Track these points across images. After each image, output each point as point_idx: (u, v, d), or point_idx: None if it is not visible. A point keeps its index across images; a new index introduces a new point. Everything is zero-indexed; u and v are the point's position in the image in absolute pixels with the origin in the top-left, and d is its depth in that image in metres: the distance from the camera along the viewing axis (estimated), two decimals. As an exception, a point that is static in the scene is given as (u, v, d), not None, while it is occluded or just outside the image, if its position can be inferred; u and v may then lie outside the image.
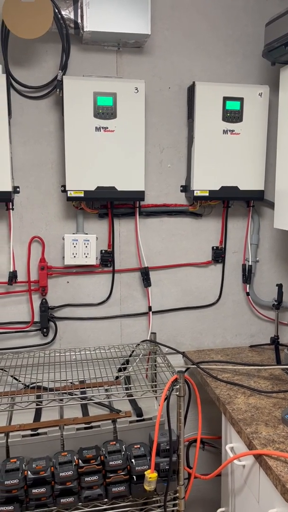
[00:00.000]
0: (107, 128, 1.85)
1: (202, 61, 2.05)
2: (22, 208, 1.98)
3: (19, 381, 1.96)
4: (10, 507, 1.52)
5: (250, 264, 2.21)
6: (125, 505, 1.64)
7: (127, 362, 2.10)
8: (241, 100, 1.96)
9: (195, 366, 1.97)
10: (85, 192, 1.88)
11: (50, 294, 2.07)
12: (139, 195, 1.94)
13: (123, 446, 1.65)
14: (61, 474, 1.55)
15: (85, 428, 1.70)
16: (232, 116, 1.96)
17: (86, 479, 1.58)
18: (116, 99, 1.84)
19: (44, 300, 2.06)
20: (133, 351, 2.11)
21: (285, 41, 1.68)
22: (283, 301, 2.14)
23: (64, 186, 1.98)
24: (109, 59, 1.95)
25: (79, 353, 2.05)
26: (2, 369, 1.96)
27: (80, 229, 2.03)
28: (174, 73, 2.03)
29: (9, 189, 1.82)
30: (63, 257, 2.04)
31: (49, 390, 1.86)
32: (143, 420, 1.75)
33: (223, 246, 2.19)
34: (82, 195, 1.88)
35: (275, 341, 2.02)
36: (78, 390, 1.88)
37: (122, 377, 2.02)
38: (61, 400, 1.79)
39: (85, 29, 1.74)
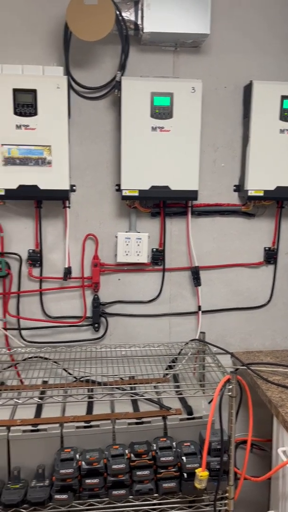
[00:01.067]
0: (163, 128, 1.87)
1: (259, 59, 2.02)
2: (78, 206, 2.03)
3: (70, 374, 2.02)
4: (65, 496, 1.58)
5: (303, 266, 2.17)
6: (175, 501, 1.66)
7: (175, 360, 2.12)
8: (299, 98, 1.92)
9: (245, 367, 1.95)
10: (140, 191, 1.91)
11: (102, 290, 2.11)
12: (193, 195, 1.95)
13: (174, 443, 1.67)
14: (113, 466, 1.59)
15: (136, 423, 1.74)
16: (290, 115, 1.93)
17: (137, 473, 1.61)
18: (173, 99, 1.85)
19: (96, 296, 2.11)
20: (181, 349, 2.13)
21: None
22: None
23: (118, 185, 2.02)
24: (166, 59, 1.96)
25: (129, 349, 2.08)
26: (55, 362, 2.02)
27: (132, 228, 2.06)
28: (231, 72, 2.02)
29: (67, 187, 1.87)
30: (116, 255, 2.08)
31: (101, 384, 1.91)
32: (193, 418, 1.76)
33: (275, 247, 2.16)
34: (136, 194, 1.91)
35: None
36: (128, 385, 1.91)
37: (170, 375, 2.05)
38: (113, 394, 1.83)
39: (144, 30, 1.76)
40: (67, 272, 2.03)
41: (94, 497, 1.60)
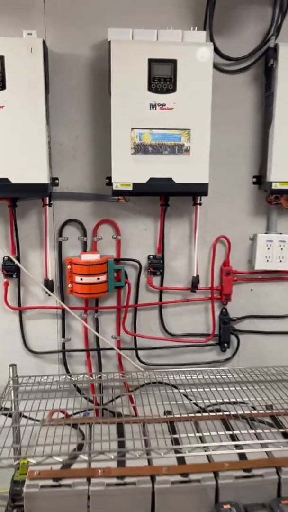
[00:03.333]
0: None
1: None
2: (206, 202, 1.69)
3: (196, 404, 1.70)
4: None
5: None
6: None
7: None
8: None
9: None
10: (294, 184, 1.57)
11: (231, 303, 1.78)
12: None
13: None
14: (295, 531, 1.26)
15: (309, 472, 1.40)
16: None
17: None
18: None
19: (224, 310, 1.78)
20: None
21: None
22: None
23: (257, 177, 1.69)
24: None
25: (260, 375, 1.72)
26: (176, 388, 1.70)
27: (272, 228, 1.72)
28: None
29: (207, 180, 1.53)
30: (249, 260, 1.75)
31: (234, 416, 1.58)
32: None
33: None
34: (288, 187, 1.57)
35: None
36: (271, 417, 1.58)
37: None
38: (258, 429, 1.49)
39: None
40: (196, 281, 1.70)
41: None
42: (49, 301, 1.70)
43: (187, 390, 1.69)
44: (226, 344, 1.78)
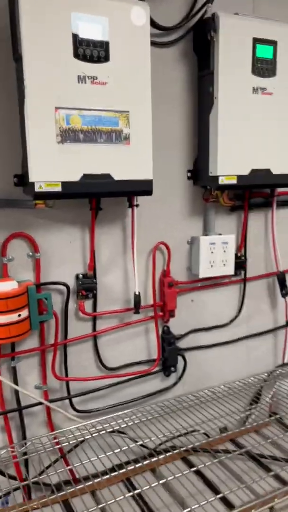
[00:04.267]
0: (265, 89, 1.37)
1: None
2: (140, 204, 1.39)
3: (146, 447, 1.41)
4: None
5: None
6: None
7: (258, 396, 1.67)
8: None
9: None
10: (238, 177, 1.38)
11: (172, 319, 1.53)
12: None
13: None
14: None
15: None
16: None
17: None
18: (276, 49, 1.36)
19: (166, 329, 1.51)
20: (263, 382, 1.67)
21: None
22: None
23: (191, 171, 1.46)
24: (246, -1, 1.45)
25: (203, 397, 1.52)
26: (123, 433, 1.38)
27: (211, 229, 1.52)
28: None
29: (151, 176, 1.24)
30: (188, 267, 1.52)
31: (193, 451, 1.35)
32: None
33: None
34: (234, 181, 1.37)
35: None
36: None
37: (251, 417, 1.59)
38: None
39: None
40: (138, 301, 1.39)
41: None
42: None
43: (133, 433, 1.38)
44: (172, 368, 1.52)
